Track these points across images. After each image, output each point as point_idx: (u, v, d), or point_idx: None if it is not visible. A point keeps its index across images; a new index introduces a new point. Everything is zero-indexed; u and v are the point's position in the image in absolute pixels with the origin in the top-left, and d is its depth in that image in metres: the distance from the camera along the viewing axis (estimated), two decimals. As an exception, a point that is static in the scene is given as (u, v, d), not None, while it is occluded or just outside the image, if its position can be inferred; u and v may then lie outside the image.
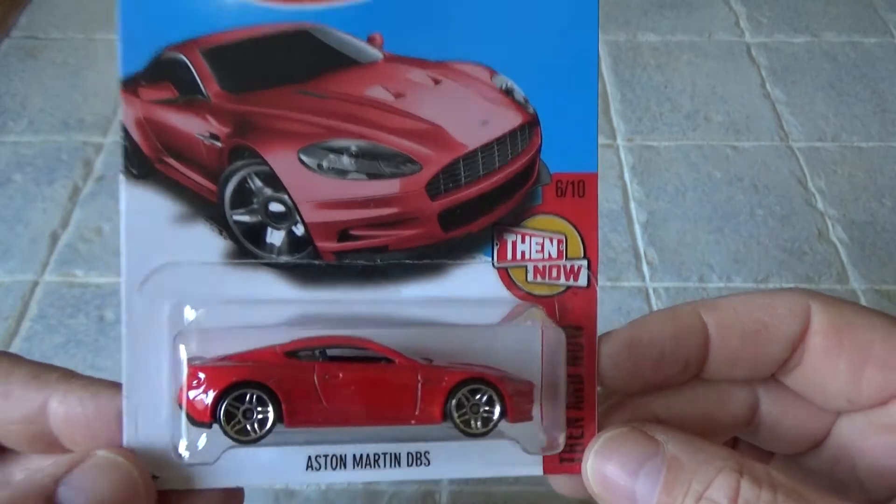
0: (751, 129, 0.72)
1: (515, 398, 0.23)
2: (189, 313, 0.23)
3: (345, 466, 0.23)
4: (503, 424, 0.23)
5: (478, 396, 0.22)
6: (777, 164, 0.69)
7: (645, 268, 0.61)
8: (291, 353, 0.22)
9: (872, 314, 0.25)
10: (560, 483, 0.25)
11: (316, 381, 0.22)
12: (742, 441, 0.29)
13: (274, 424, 0.22)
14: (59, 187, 0.67)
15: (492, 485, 0.46)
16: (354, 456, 0.23)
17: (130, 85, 0.23)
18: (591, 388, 0.25)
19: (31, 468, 0.25)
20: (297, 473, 0.23)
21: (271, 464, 0.23)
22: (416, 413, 0.22)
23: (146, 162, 0.23)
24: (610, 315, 0.57)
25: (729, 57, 0.80)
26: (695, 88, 0.77)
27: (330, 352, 0.22)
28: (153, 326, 0.23)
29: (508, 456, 0.24)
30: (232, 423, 0.22)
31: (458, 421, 0.22)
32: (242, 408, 0.21)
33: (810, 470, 0.27)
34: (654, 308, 0.58)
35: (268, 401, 0.21)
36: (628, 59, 0.80)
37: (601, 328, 0.25)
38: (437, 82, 0.24)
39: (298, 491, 0.46)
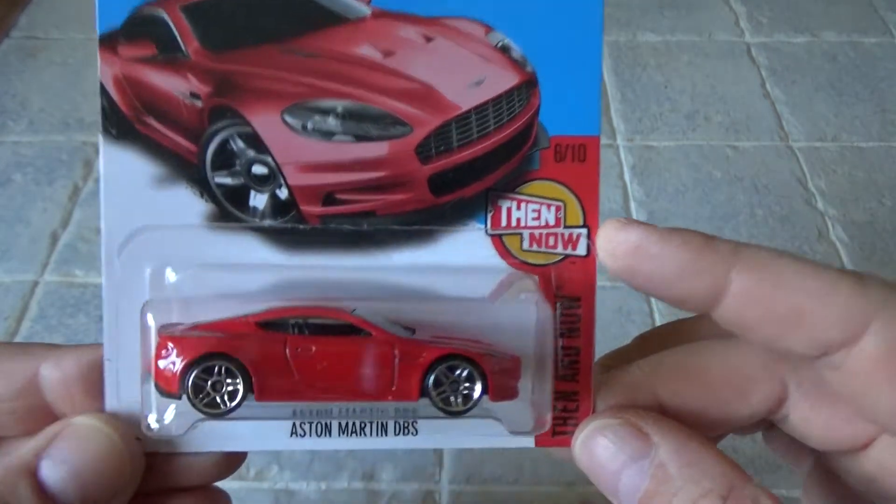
0: (751, 129, 0.72)
1: (497, 375, 0.22)
2: (171, 276, 0.23)
3: (330, 434, 0.23)
4: (487, 402, 0.22)
5: (457, 373, 0.21)
6: (777, 164, 0.69)
7: (645, 268, 0.61)
8: (264, 323, 0.21)
9: None
10: (554, 451, 0.24)
11: (288, 355, 0.21)
12: None
13: (244, 397, 0.21)
14: (59, 187, 0.67)
15: (492, 485, 0.46)
16: (340, 424, 0.23)
17: (108, 42, 0.22)
18: (587, 360, 0.24)
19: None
20: (281, 440, 0.23)
21: (255, 430, 0.23)
22: (393, 389, 0.21)
23: (125, 122, 0.23)
24: (610, 315, 0.56)
25: (729, 57, 0.80)
26: (695, 88, 0.77)
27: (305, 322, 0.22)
28: (133, 290, 0.23)
29: (499, 428, 0.23)
30: (201, 395, 0.21)
31: (436, 398, 0.21)
32: (211, 380, 0.21)
33: (848, 472, 0.24)
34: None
35: (237, 373, 0.21)
36: (628, 59, 0.80)
37: (600, 330, 0.25)
38: (428, 40, 0.23)
39: (298, 490, 0.46)
